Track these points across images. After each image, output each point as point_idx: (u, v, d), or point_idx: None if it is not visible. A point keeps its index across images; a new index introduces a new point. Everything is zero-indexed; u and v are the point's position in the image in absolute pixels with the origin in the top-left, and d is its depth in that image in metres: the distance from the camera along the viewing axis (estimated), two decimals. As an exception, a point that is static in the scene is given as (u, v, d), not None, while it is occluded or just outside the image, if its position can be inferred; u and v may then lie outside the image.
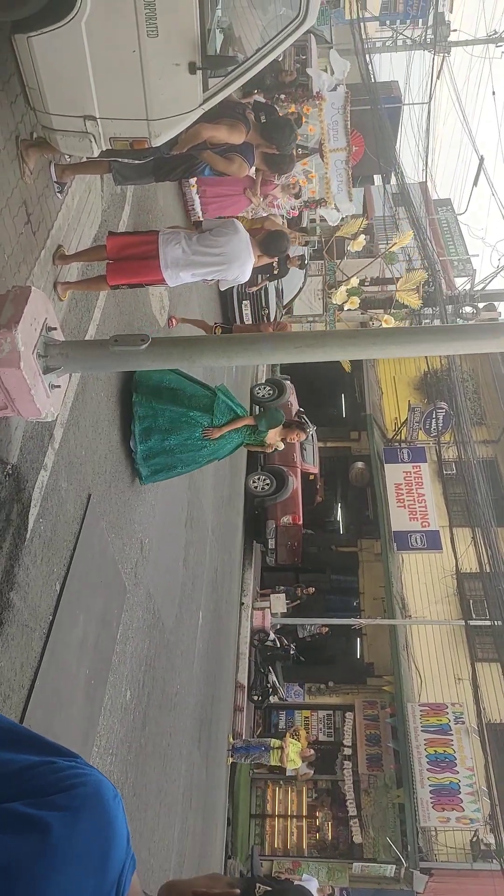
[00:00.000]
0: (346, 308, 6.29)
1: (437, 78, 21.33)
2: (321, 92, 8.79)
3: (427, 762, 12.61)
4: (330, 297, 6.32)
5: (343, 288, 6.10)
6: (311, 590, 15.44)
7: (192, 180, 7.75)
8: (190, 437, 6.19)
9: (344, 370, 15.29)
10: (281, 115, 7.44)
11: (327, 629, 15.30)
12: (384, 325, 6.15)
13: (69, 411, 4.80)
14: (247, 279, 5.08)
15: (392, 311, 6.30)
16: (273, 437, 6.51)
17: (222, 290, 6.53)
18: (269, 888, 1.26)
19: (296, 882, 5.04)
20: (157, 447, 6.11)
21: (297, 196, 8.26)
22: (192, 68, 3.35)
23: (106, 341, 3.27)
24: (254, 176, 7.15)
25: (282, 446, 7.00)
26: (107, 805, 1.03)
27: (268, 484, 14.80)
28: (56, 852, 0.93)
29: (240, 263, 4.72)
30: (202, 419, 6.18)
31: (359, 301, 6.22)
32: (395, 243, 5.99)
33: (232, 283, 4.97)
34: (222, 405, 6.22)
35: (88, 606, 4.94)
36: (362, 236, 5.96)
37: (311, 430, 7.53)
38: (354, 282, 6.18)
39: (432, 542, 15.01)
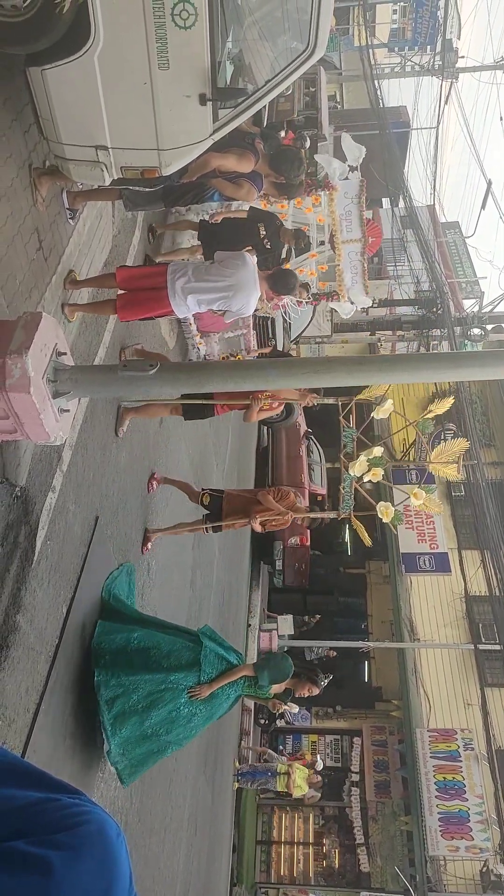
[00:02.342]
0: (366, 480, 5.66)
1: (445, 103, 21.58)
2: (332, 181, 7.93)
3: (436, 789, 12.43)
4: (347, 468, 5.68)
5: (363, 458, 5.52)
6: (318, 618, 15.33)
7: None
8: (175, 708, 4.83)
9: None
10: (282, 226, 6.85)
11: (335, 652, 15.18)
12: (413, 501, 5.40)
13: (77, 434, 4.83)
14: (251, 312, 5.14)
15: (423, 485, 5.69)
16: (279, 689, 5.22)
17: (227, 322, 6.24)
18: None
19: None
20: (135, 734, 4.76)
21: (306, 291, 7.64)
22: (203, 100, 3.41)
23: (115, 366, 3.30)
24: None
25: (295, 708, 6.44)
26: (110, 844, 1.02)
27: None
28: (58, 892, 0.93)
29: (245, 294, 4.74)
30: (187, 679, 4.84)
31: (382, 472, 5.57)
32: (432, 410, 5.35)
33: (236, 315, 5.00)
34: (210, 655, 4.95)
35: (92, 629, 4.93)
36: (389, 402, 5.35)
37: (324, 682, 6.45)
38: (377, 451, 5.57)
39: (441, 564, 14.91)
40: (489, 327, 16.91)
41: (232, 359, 8.15)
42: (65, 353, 3.31)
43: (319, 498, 16.46)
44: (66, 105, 3.41)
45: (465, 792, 12.39)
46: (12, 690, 3.72)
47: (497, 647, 13.52)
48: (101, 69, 3.27)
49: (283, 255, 8.95)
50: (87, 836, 1.01)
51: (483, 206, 19.70)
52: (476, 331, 16.41)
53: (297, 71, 3.66)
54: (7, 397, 2.96)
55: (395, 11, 31.71)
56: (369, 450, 5.55)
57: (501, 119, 22.35)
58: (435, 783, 12.45)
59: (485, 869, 12.35)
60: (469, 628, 14.74)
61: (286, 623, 14.62)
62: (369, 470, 5.48)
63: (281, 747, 14.95)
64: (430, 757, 12.73)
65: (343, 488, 5.98)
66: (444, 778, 12.50)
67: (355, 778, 14.18)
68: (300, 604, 16.76)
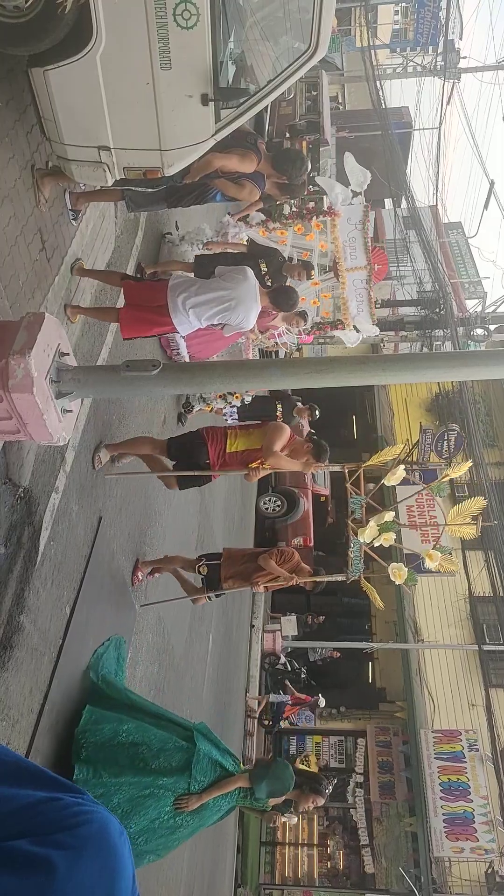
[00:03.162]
0: (376, 544, 5.25)
1: (448, 103, 21.56)
2: (334, 206, 7.53)
3: (440, 790, 12.39)
4: (355, 534, 5.29)
5: (373, 524, 5.10)
6: (322, 618, 15.32)
7: None
8: (158, 816, 4.28)
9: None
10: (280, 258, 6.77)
11: (338, 653, 15.17)
12: (428, 562, 5.19)
13: (80, 435, 4.84)
14: (251, 326, 5.13)
15: (440, 546, 5.32)
16: (277, 801, 4.70)
17: (227, 336, 5.91)
18: None
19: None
20: None
21: (304, 320, 7.29)
22: (205, 100, 3.41)
23: (117, 367, 3.30)
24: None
25: (294, 819, 5.93)
26: (112, 843, 1.02)
27: (279, 505, 14.76)
28: (60, 892, 0.92)
29: (245, 308, 4.75)
30: (176, 784, 4.30)
31: (394, 536, 5.20)
32: (447, 475, 5.01)
33: (236, 329, 5.00)
34: (203, 761, 4.38)
35: (98, 630, 4.93)
36: (401, 467, 4.98)
37: (329, 789, 6.25)
38: (389, 516, 5.18)
39: (445, 564, 14.87)
40: (492, 327, 16.86)
41: (228, 395, 7.99)
42: (67, 354, 3.31)
43: (322, 499, 16.46)
44: (69, 106, 3.42)
45: (470, 793, 12.35)
46: (16, 691, 3.72)
47: (501, 648, 13.50)
48: (103, 70, 3.27)
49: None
50: (90, 836, 1.01)
51: (485, 207, 19.67)
52: (479, 331, 16.37)
53: (298, 71, 3.66)
54: (10, 398, 2.96)
55: (396, 12, 31.71)
56: (380, 515, 5.24)
57: (504, 119, 22.31)
58: (439, 784, 12.42)
59: (490, 870, 12.31)
60: (473, 629, 14.70)
61: (290, 623, 14.61)
62: (379, 535, 5.16)
63: (286, 748, 14.94)
64: (435, 758, 12.69)
65: (351, 553, 5.59)
66: (449, 779, 12.47)
67: (359, 779, 14.15)
68: (304, 604, 16.73)
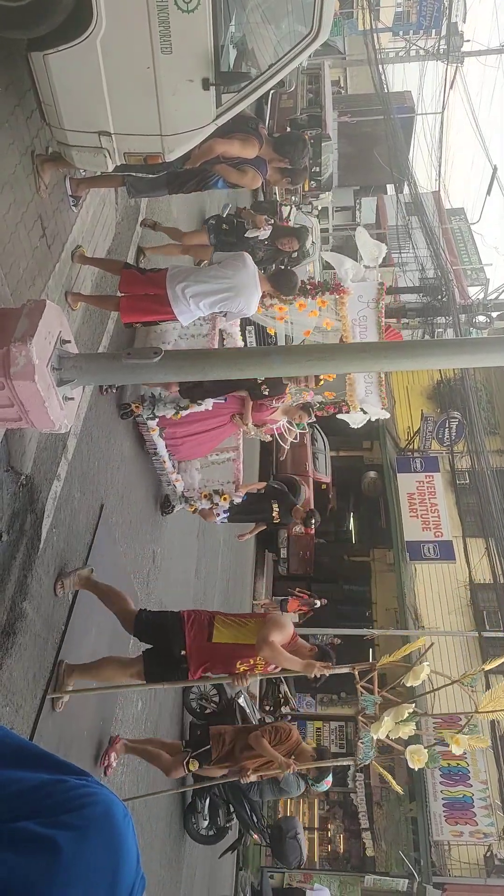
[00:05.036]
0: (393, 737, 4.39)
1: (451, 88, 21.35)
2: (343, 283, 6.64)
3: (440, 775, 12.50)
4: (368, 726, 4.49)
5: (389, 719, 4.26)
6: (324, 601, 15.28)
7: (153, 422, 6.01)
8: None
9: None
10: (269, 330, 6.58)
11: (339, 640, 15.22)
12: (454, 749, 4.44)
13: (82, 423, 4.84)
14: (252, 312, 5.05)
15: (470, 726, 4.60)
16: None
17: (228, 322, 5.66)
18: None
19: (307, 892, 4.60)
20: None
21: (308, 415, 6.54)
22: (206, 84, 3.38)
23: (119, 354, 3.29)
24: (243, 396, 6.16)
25: None
26: (117, 824, 1.03)
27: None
28: (66, 872, 0.94)
29: (247, 294, 4.71)
30: None
31: (414, 726, 4.35)
32: (482, 668, 4.35)
33: (237, 316, 4.96)
34: None
35: (100, 617, 4.96)
36: (426, 664, 4.30)
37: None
38: (408, 709, 4.31)
39: (445, 552, 14.92)
40: (494, 315, 16.80)
41: (214, 494, 6.88)
42: (69, 341, 3.30)
43: (324, 486, 16.47)
44: (69, 90, 3.39)
45: (470, 778, 12.47)
46: (20, 677, 3.75)
47: (501, 635, 13.53)
48: (103, 54, 3.25)
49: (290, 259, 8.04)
50: (94, 818, 1.02)
51: (488, 192, 19.54)
52: (481, 318, 16.30)
53: (300, 55, 3.62)
54: (12, 385, 2.95)
55: (399, -5, 31.31)
56: (398, 709, 4.32)
57: (507, 103, 22.11)
58: (439, 769, 12.53)
59: (489, 853, 12.44)
60: (473, 615, 14.77)
61: (290, 618, 14.67)
62: (395, 727, 4.31)
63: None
64: (435, 743, 12.79)
65: (362, 742, 4.79)
66: (449, 764, 12.57)
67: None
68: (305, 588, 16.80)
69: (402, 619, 14.83)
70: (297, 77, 17.03)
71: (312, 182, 16.73)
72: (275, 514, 7.01)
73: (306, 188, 16.75)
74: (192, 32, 3.23)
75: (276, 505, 7.01)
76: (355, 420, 7.15)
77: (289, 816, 11.81)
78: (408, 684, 4.32)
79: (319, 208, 18.05)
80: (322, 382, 6.96)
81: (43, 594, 4.08)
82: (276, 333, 8.23)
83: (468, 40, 23.17)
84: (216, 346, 6.17)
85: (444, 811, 12.20)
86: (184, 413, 5.97)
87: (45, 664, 4.09)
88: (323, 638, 15.48)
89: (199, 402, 5.98)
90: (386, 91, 21.16)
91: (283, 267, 6.55)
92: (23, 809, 1.00)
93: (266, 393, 5.95)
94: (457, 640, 14.54)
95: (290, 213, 13.16)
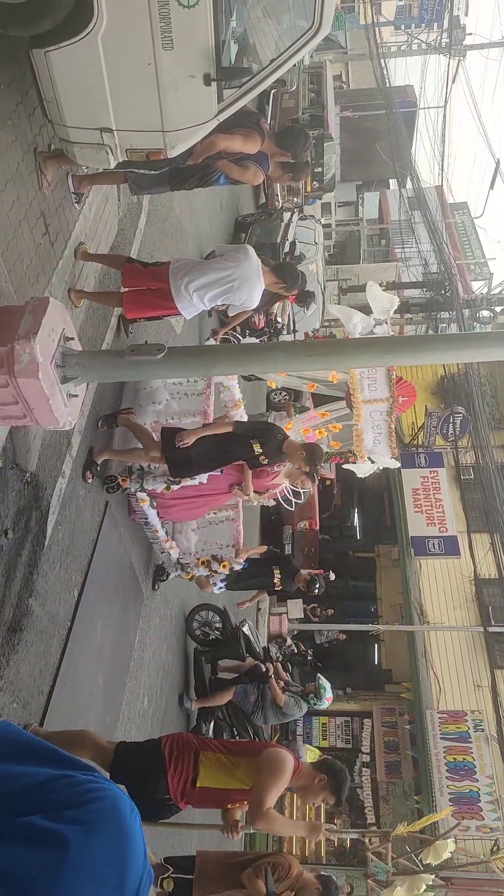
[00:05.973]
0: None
1: (453, 81, 21.27)
2: (351, 336, 6.33)
3: (446, 770, 12.50)
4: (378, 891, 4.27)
5: (402, 892, 4.00)
6: (331, 612, 15.18)
7: (143, 494, 5.57)
8: None
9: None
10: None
11: (345, 635, 15.23)
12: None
13: (86, 419, 4.85)
14: (255, 305, 4.97)
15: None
16: None
17: (230, 315, 5.31)
18: None
19: (314, 876, 4.32)
20: None
21: (311, 480, 5.94)
22: (208, 80, 3.37)
23: (122, 351, 3.30)
24: (241, 465, 5.70)
25: None
26: (124, 819, 1.04)
27: None
28: (73, 867, 0.94)
29: (249, 286, 4.68)
30: None
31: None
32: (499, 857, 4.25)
33: (240, 308, 4.92)
34: None
35: (106, 613, 4.97)
36: (450, 840, 4.17)
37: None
38: (426, 881, 4.20)
39: (450, 547, 14.90)
40: (498, 309, 16.76)
41: (213, 561, 6.42)
42: (72, 338, 3.31)
43: (328, 482, 16.45)
44: (71, 87, 3.39)
45: (476, 773, 12.46)
46: (26, 673, 3.77)
47: (506, 630, 13.55)
48: (104, 50, 3.24)
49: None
50: (102, 812, 1.03)
51: (491, 186, 19.49)
52: (485, 313, 16.27)
53: (302, 49, 3.61)
54: (16, 382, 2.96)
55: (401, -12, 31.16)
56: (414, 879, 3.83)
57: (510, 97, 22.03)
58: (445, 764, 12.53)
59: (495, 848, 12.43)
60: (479, 611, 14.75)
61: (296, 606, 14.64)
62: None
63: (292, 728, 15.06)
64: (441, 738, 12.79)
65: (373, 867, 4.43)
66: (455, 759, 12.58)
67: (366, 759, 14.28)
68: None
69: (407, 615, 14.83)
70: (299, 76, 16.91)
71: (315, 182, 16.62)
72: (276, 580, 6.74)
73: (308, 188, 16.64)
74: (194, 28, 3.22)
75: (278, 570, 6.75)
76: (362, 469, 6.92)
77: None
78: (426, 861, 3.89)
79: (319, 219, 17.56)
80: (326, 434, 6.78)
81: (49, 591, 4.10)
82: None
83: (470, 34, 23.13)
84: (211, 403, 5.73)
85: (450, 806, 12.20)
86: (175, 488, 5.49)
87: (52, 660, 4.10)
88: (328, 633, 15.51)
89: (192, 477, 5.46)
90: (388, 85, 21.11)
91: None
92: (31, 804, 1.01)
93: (265, 462, 5.44)
94: (462, 635, 14.53)
95: (290, 218, 12.92)
